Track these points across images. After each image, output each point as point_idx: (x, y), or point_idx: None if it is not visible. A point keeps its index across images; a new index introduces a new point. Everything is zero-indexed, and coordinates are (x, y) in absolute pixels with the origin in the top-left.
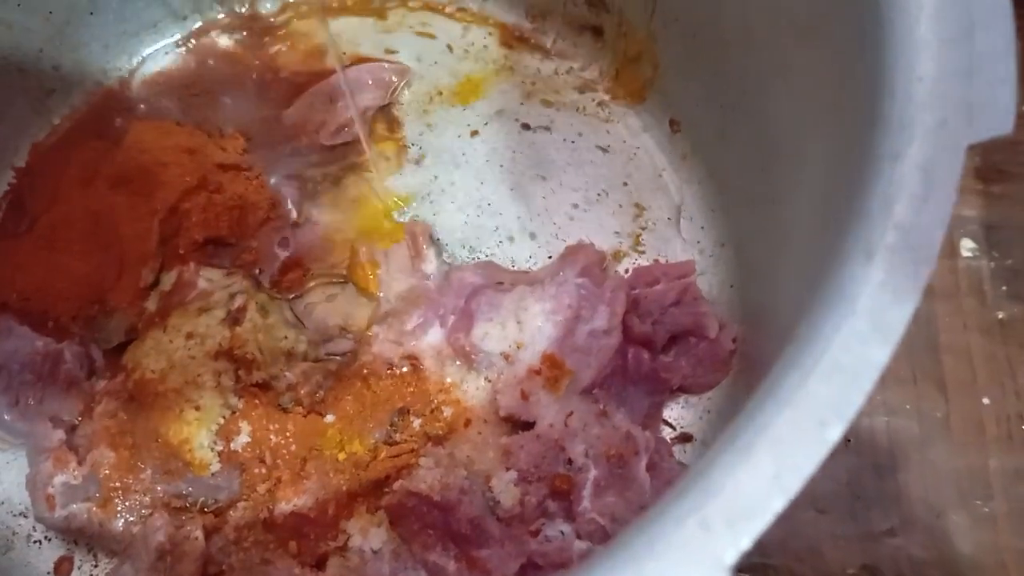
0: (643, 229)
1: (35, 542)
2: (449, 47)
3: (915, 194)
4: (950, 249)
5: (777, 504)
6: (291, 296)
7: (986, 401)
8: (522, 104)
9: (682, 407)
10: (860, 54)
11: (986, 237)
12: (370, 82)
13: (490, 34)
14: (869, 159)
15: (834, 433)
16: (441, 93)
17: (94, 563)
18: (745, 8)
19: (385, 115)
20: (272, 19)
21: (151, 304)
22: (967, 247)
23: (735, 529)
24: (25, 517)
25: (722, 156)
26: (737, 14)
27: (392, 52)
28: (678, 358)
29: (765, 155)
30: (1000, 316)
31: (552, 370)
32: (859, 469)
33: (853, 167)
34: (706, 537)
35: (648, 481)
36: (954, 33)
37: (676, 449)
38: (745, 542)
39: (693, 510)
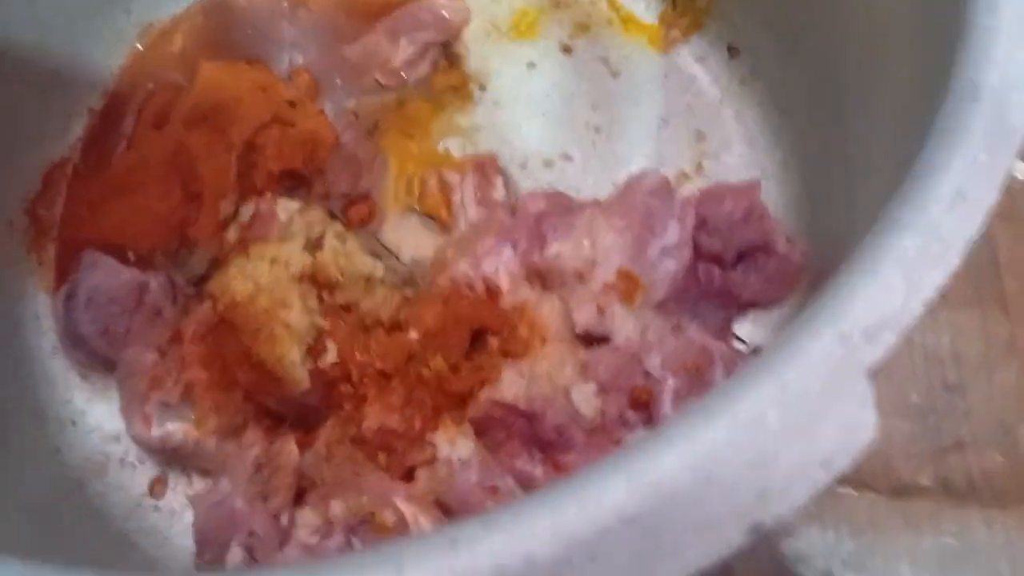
0: (704, 155)
1: (128, 464)
2: None
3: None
4: None
5: (908, 318)
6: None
7: None
8: (578, 39)
9: (752, 324)
10: None
11: None
12: (428, 19)
13: None
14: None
15: (954, 259)
16: (498, 28)
17: (188, 483)
18: None
19: (446, 51)
20: None
21: (231, 235)
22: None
23: (873, 340)
24: (117, 442)
25: (784, 79)
26: None
27: None
28: (747, 273)
29: (833, 76)
30: None
31: (627, 284)
32: (928, 387)
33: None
34: (844, 347)
35: None
36: None
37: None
38: (881, 352)
39: (828, 324)
